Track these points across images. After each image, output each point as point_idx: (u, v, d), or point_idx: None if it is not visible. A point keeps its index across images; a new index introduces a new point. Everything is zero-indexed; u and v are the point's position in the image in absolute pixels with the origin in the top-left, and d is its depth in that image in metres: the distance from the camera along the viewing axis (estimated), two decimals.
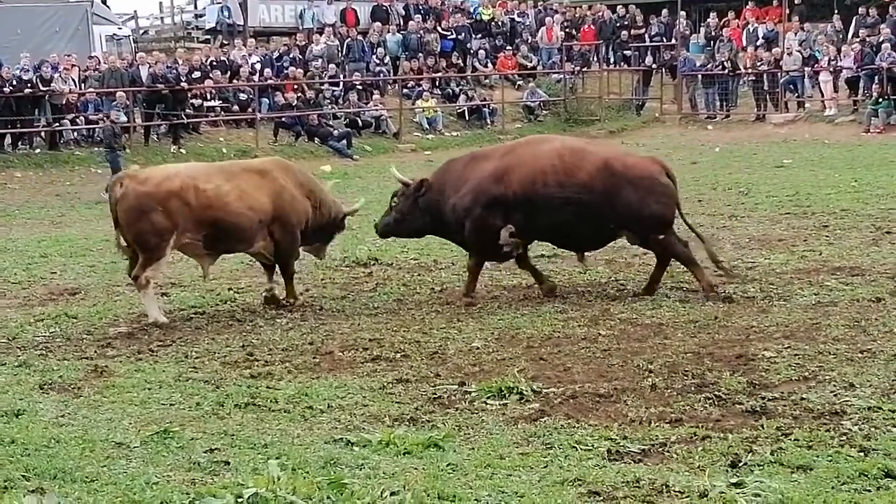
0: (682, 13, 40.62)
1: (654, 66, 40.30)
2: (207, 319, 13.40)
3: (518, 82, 39.65)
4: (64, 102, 31.44)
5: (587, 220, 13.34)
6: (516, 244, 13.67)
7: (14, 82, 30.46)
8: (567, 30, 41.58)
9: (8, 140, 30.58)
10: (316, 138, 33.25)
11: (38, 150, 30.71)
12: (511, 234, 13.50)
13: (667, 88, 39.84)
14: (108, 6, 44.51)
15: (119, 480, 7.18)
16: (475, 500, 6.97)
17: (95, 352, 11.88)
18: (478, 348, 11.28)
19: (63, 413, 9.24)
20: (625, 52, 41.20)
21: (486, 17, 41.48)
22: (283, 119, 33.88)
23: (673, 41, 40.09)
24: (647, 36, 41.18)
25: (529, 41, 40.95)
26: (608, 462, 7.77)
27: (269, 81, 35.23)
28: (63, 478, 7.22)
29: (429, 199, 13.90)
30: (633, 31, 41.37)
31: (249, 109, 34.03)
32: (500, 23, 41.35)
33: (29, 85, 30.62)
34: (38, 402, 9.63)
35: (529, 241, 13.97)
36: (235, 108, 34.16)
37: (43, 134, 31.25)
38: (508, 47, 40.09)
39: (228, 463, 7.69)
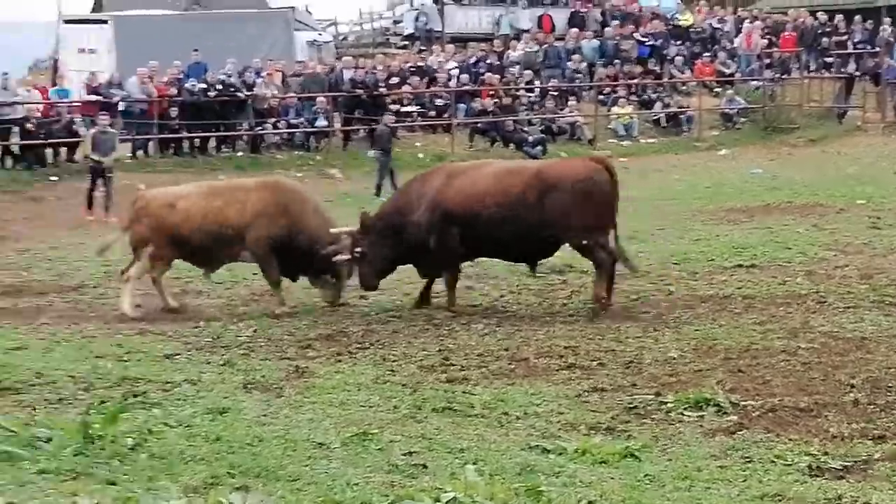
0: (887, 20, 39.57)
1: (856, 73, 39.34)
2: (404, 323, 13.56)
3: (716, 89, 39.09)
4: (266, 107, 32.09)
5: None
6: None
7: (218, 87, 31.20)
8: (767, 36, 40.84)
9: (212, 143, 31.33)
10: (511, 144, 33.30)
11: (240, 153, 31.37)
12: None
13: (870, 97, 38.82)
14: (310, 12, 45.31)
15: (320, 480, 7.31)
16: None
17: (296, 352, 12.14)
18: (674, 358, 11.20)
19: (265, 412, 9.44)
20: (826, 59, 40.30)
21: (684, 24, 41.02)
22: (479, 125, 34.00)
23: (877, 48, 39.08)
24: (849, 43, 40.21)
25: (728, 48, 40.37)
26: (809, 478, 7.65)
27: (466, 87, 35.41)
28: (266, 476, 7.37)
29: (387, 223, 14.24)
30: (835, 38, 40.45)
31: (446, 115, 34.28)
32: (698, 29, 40.85)
33: (233, 89, 31.34)
34: (242, 400, 9.86)
35: None
36: (432, 113, 34.44)
37: (245, 137, 31.93)
38: (706, 54, 39.58)
39: (426, 466, 7.77)
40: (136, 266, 14.93)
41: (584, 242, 13.71)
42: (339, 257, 14.28)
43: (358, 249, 14.24)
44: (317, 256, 14.40)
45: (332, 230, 14.48)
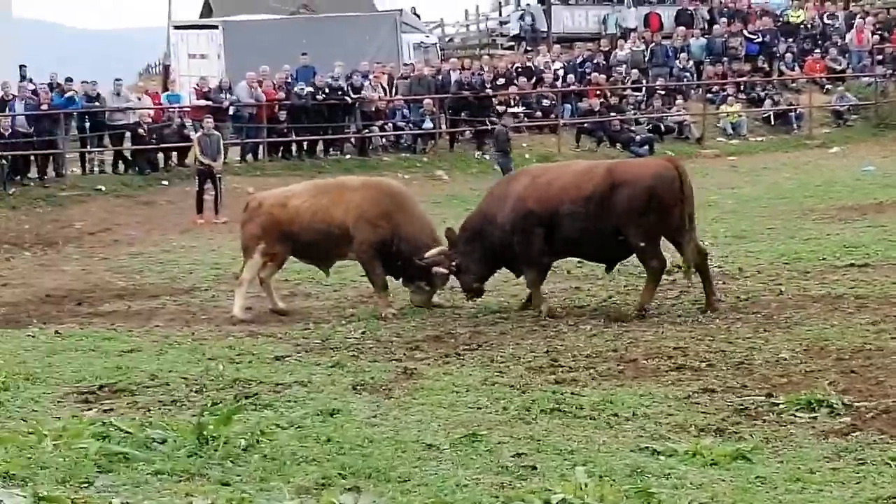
0: None
1: None
2: (512, 324, 13.58)
3: (826, 86, 38.59)
4: (373, 109, 32.29)
5: None
6: None
7: (326, 90, 31.45)
8: (878, 32, 40.22)
9: (320, 146, 31.60)
10: (618, 144, 33.18)
11: (348, 156, 31.59)
12: None
13: None
14: (417, 15, 45.51)
15: (430, 481, 7.33)
16: None
17: (404, 354, 12.20)
18: (785, 359, 11.07)
19: (375, 413, 9.49)
20: None
21: (794, 20, 40.54)
22: (586, 125, 33.92)
23: None
24: None
25: (839, 44, 39.81)
26: None
27: (572, 87, 35.34)
28: (377, 477, 7.41)
29: (474, 230, 14.31)
30: None
31: (552, 115, 34.24)
32: (808, 25, 40.35)
33: (340, 93, 31.57)
34: (352, 402, 9.93)
35: None
36: (538, 113, 34.41)
37: (353, 140, 32.14)
38: (817, 50, 39.08)
39: (535, 468, 7.76)
40: (248, 267, 15.13)
41: (641, 245, 13.64)
42: (437, 269, 14.36)
43: (454, 263, 14.33)
44: (413, 263, 14.48)
45: (427, 255, 14.53)
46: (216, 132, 26.53)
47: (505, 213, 14.10)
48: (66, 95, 28.65)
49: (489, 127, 32.80)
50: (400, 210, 14.81)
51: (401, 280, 15.01)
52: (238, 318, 14.72)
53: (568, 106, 34.67)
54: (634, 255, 14.01)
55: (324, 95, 31.30)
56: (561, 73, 35.83)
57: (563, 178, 14.14)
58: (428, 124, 32.24)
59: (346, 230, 14.68)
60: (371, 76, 32.57)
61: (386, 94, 32.75)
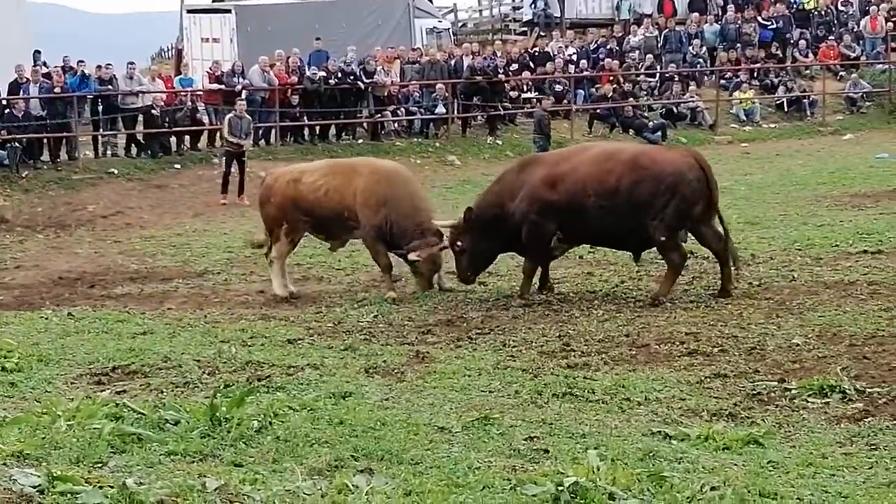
0: None
1: None
2: (524, 309, 13.59)
3: (840, 73, 38.49)
4: (386, 94, 32.26)
5: None
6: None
7: (339, 75, 31.43)
8: (893, 19, 40.08)
9: (332, 131, 31.59)
10: (630, 130, 33.13)
11: (360, 141, 31.58)
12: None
13: None
14: (430, 0, 45.44)
15: (442, 464, 7.34)
16: (797, 498, 6.84)
17: (416, 338, 12.23)
18: (798, 345, 11.08)
19: (387, 396, 9.51)
20: None
21: (808, 7, 40.42)
22: (598, 110, 33.88)
23: None
24: None
25: (853, 30, 39.69)
26: None
27: (585, 73, 35.30)
28: (390, 459, 7.42)
29: (487, 215, 14.16)
30: None
31: (565, 101, 34.20)
32: (822, 12, 40.23)
33: (353, 77, 31.54)
34: (364, 384, 9.95)
35: None
36: (551, 99, 34.35)
37: (365, 125, 32.13)
38: (830, 37, 38.96)
39: (548, 451, 7.76)
40: (276, 246, 15.28)
41: (662, 238, 13.57)
42: (412, 256, 14.41)
43: (458, 244, 14.31)
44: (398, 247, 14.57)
45: (437, 222, 14.64)
46: (247, 115, 26.57)
47: (518, 201, 14.04)
48: (79, 73, 28.71)
49: (502, 113, 32.80)
50: (393, 190, 14.83)
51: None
52: (280, 296, 14.87)
53: (581, 91, 34.63)
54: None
55: (336, 80, 31.28)
56: (574, 58, 35.79)
57: (582, 168, 14.02)
58: (440, 109, 32.19)
59: (355, 212, 14.75)
60: (380, 60, 32.48)
61: (398, 78, 32.70)
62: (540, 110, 28.99)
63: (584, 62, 35.59)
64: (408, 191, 15.10)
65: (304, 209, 15.10)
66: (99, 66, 29.33)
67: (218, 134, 28.01)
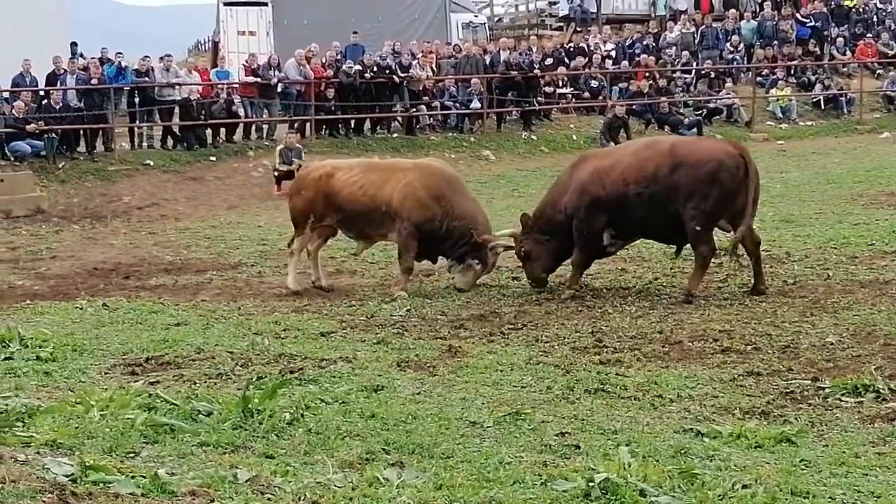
0: None
1: None
2: (557, 304, 13.57)
3: (878, 71, 38.27)
4: (421, 88, 32.27)
5: None
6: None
7: (374, 69, 31.45)
8: None
9: (367, 125, 31.63)
10: (666, 126, 33.03)
11: (395, 135, 31.59)
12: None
13: None
14: None
15: (473, 458, 7.34)
16: (829, 497, 6.80)
17: (449, 332, 12.22)
18: (832, 343, 11.02)
19: (419, 390, 9.50)
20: None
21: (847, 4, 40.19)
22: (634, 106, 33.79)
23: None
24: None
25: (892, 28, 39.46)
26: None
27: (621, 69, 35.22)
28: (421, 453, 7.42)
29: (547, 215, 14.33)
30: None
31: (600, 97, 34.13)
32: (860, 9, 39.99)
33: (388, 71, 31.56)
34: (396, 378, 9.94)
35: None
36: (586, 95, 34.31)
37: (400, 119, 32.15)
38: (869, 35, 38.74)
39: (579, 447, 7.75)
40: (298, 240, 15.25)
41: (697, 228, 13.51)
42: (495, 245, 14.39)
43: (524, 249, 14.33)
44: (470, 241, 14.43)
45: (497, 233, 14.68)
46: (299, 146, 26.75)
47: (568, 197, 14.08)
48: (116, 63, 28.90)
49: (537, 108, 32.75)
50: (452, 190, 14.76)
51: (446, 263, 14.95)
52: (292, 290, 14.83)
53: (616, 87, 34.55)
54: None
55: (372, 74, 31.30)
56: (611, 54, 35.72)
57: (625, 160, 14.04)
58: (475, 104, 32.18)
59: (391, 210, 14.63)
60: (419, 55, 32.52)
61: (434, 73, 32.70)
62: (613, 116, 28.89)
63: (620, 58, 35.52)
64: (463, 185, 15.19)
65: (336, 205, 14.94)
66: (143, 58, 29.52)
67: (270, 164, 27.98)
